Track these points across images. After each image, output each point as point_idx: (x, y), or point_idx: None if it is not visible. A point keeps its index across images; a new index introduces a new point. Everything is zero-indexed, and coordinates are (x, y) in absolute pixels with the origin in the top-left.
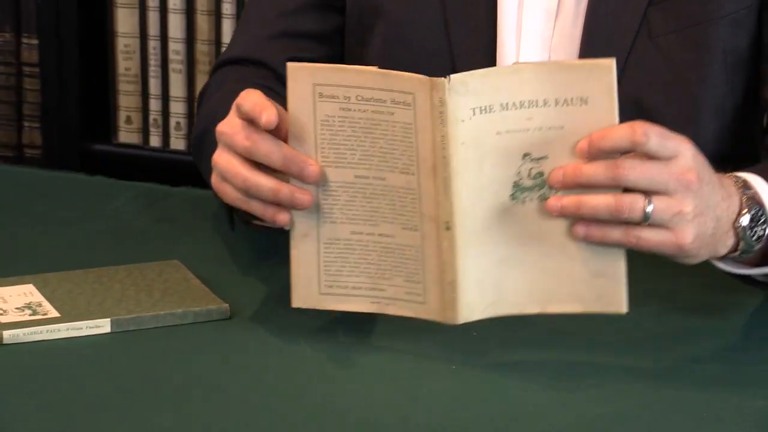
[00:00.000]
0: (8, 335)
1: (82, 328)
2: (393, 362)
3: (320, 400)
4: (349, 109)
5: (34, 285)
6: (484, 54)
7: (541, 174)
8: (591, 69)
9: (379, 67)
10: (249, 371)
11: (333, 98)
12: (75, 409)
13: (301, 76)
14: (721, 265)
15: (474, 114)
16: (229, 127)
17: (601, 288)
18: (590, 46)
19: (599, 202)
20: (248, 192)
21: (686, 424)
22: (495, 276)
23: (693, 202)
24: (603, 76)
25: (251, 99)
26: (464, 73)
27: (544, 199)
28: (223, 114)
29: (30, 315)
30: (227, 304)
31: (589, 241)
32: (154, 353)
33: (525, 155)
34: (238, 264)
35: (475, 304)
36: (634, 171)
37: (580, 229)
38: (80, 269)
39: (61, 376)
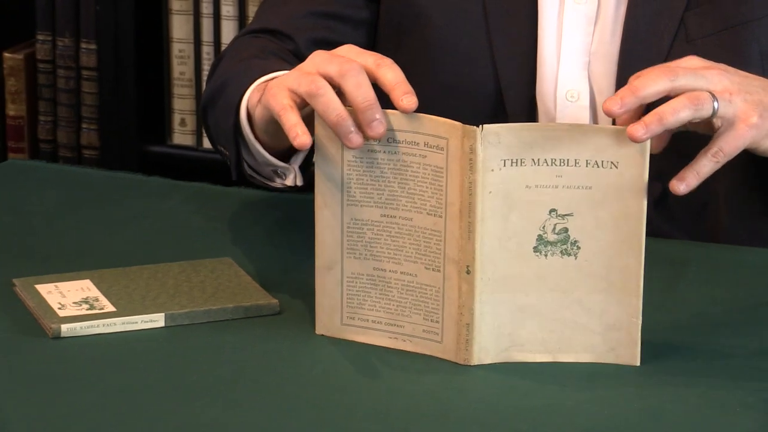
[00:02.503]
0: (66, 329)
1: (137, 323)
2: (436, 357)
3: (365, 393)
4: (377, 151)
5: (92, 280)
6: (525, 59)
7: (565, 230)
8: (625, 135)
9: (417, 74)
10: (297, 366)
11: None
12: (129, 401)
13: None
14: None
15: (504, 165)
16: (354, 53)
17: (615, 341)
18: (629, 51)
19: (675, 105)
20: (311, 96)
21: (720, 420)
22: (511, 323)
23: (733, 83)
24: (637, 143)
25: (399, 72)
26: (497, 125)
27: (566, 254)
28: (239, 80)
29: (87, 309)
30: (277, 301)
31: (689, 187)
32: (206, 347)
33: (551, 211)
34: (288, 261)
35: (490, 348)
36: (683, 66)
37: (681, 186)
38: (136, 266)
39: (116, 369)
